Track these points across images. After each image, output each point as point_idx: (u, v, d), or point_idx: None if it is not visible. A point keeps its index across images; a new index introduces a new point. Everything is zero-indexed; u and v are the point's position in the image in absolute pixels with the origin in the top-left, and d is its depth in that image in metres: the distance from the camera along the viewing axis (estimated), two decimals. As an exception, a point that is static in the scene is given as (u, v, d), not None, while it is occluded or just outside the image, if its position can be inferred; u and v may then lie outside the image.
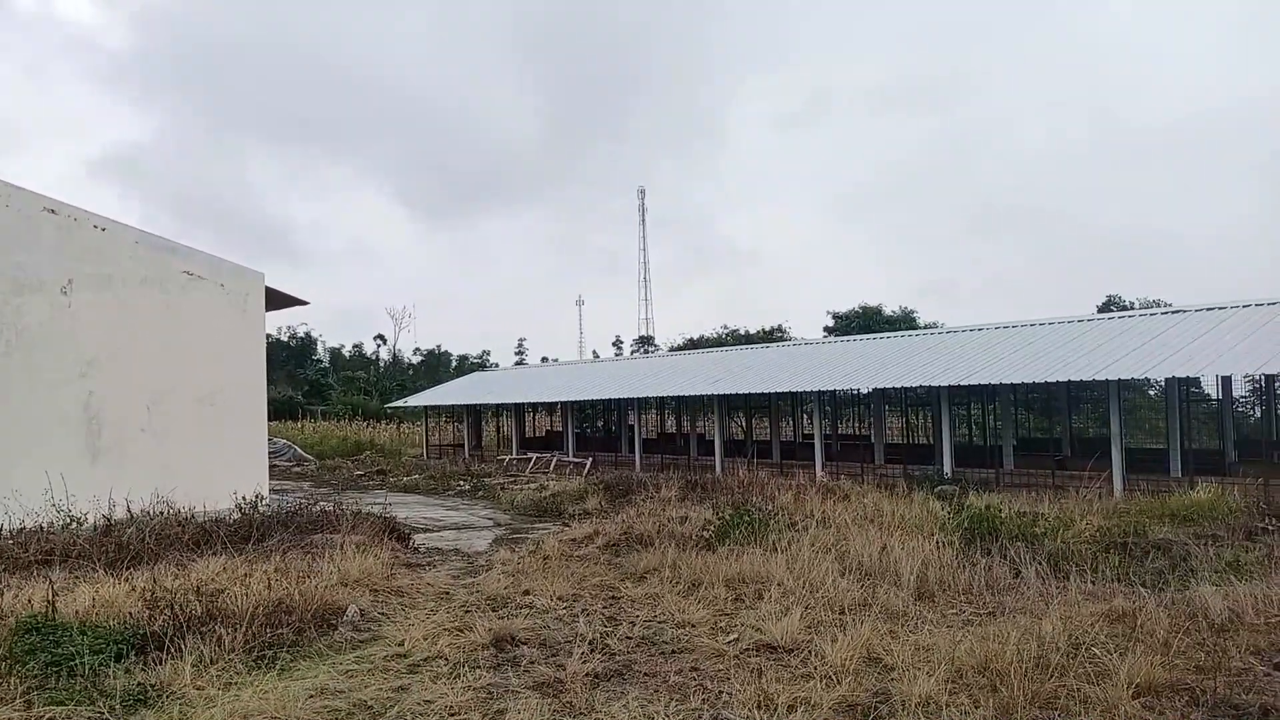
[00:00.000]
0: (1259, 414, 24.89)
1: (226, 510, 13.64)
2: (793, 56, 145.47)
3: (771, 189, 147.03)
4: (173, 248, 16.43)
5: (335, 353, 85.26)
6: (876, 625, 7.47)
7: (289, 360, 78.06)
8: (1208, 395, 23.94)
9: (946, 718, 5.48)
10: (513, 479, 24.38)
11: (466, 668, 6.85)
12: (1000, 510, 11.96)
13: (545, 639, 7.53)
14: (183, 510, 13.28)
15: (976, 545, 10.62)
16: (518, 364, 71.06)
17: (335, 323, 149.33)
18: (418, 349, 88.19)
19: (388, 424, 48.58)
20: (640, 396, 28.23)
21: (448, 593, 9.69)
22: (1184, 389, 20.48)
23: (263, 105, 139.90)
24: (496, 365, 67.40)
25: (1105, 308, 36.00)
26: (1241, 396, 27.03)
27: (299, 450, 36.45)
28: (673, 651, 7.20)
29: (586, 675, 6.52)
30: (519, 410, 36.11)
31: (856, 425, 35.96)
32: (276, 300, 18.55)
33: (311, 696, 6.25)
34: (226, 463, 16.22)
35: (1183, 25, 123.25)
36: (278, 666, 6.99)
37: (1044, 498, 14.83)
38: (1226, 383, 21.09)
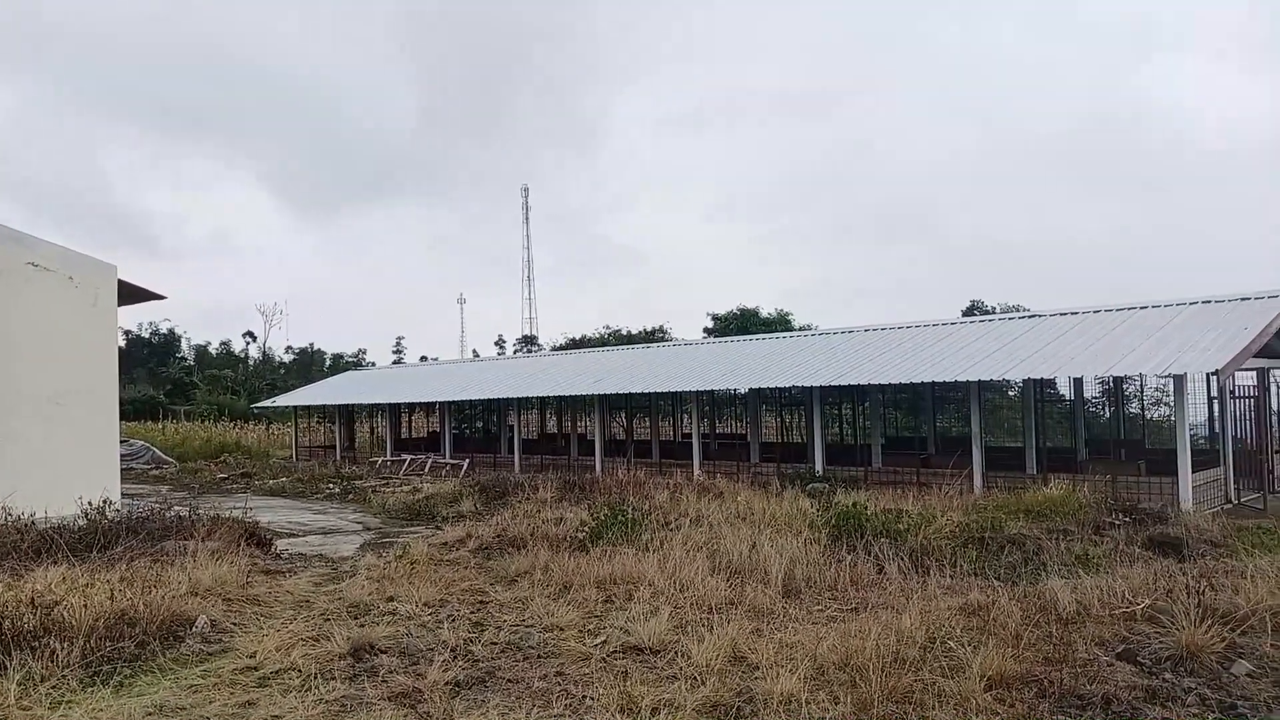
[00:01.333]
0: (1109, 414, 26.36)
1: (72, 516, 12.78)
2: (679, 59, 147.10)
3: (656, 190, 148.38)
4: (17, 237, 15.31)
5: (201, 350, 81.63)
6: (743, 624, 7.50)
7: (151, 358, 74.30)
8: (1062, 396, 25.22)
9: (806, 715, 5.52)
10: (385, 482, 23.74)
11: (320, 680, 6.54)
12: (866, 507, 12.25)
13: (407, 647, 7.27)
14: (22, 517, 12.38)
15: (843, 542, 10.85)
16: (395, 363, 69.41)
17: (202, 319, 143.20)
18: (289, 347, 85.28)
19: (256, 425, 46.77)
20: (521, 396, 27.94)
21: (308, 600, 9.29)
22: (1040, 390, 21.51)
23: (120, 88, 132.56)
24: (373, 364, 65.74)
25: (969, 312, 37.60)
26: (1093, 397, 28.60)
27: (158, 452, 34.66)
28: (539, 656, 7.06)
29: (447, 684, 6.32)
30: (394, 410, 35.26)
31: (735, 425, 36.48)
32: (131, 294, 17.53)
33: (149, 714, 5.87)
34: (74, 466, 15.20)
35: (1061, 41, 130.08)
36: (115, 683, 6.54)
37: (909, 495, 15.29)
38: (1078, 384, 22.25)
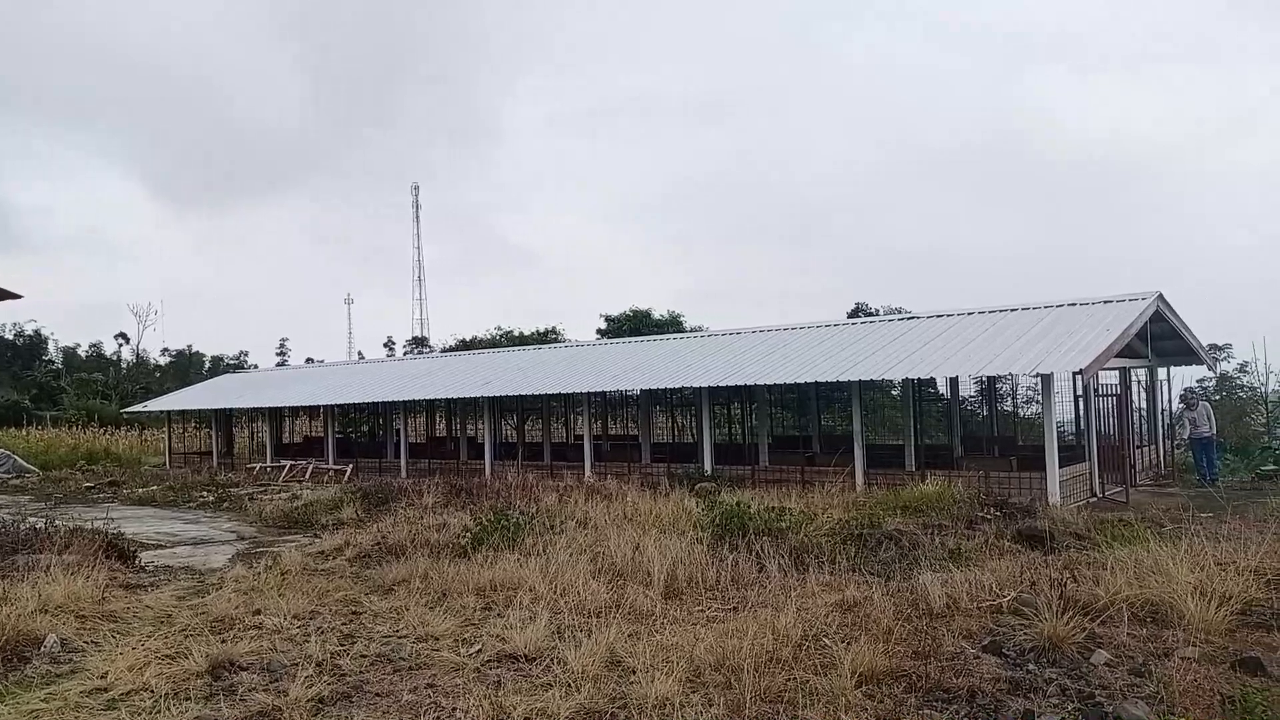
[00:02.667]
0: (985, 412, 27.35)
1: (-90, 532, 11.86)
2: (575, 58, 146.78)
3: (551, 190, 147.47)
4: None
5: (70, 353, 77.25)
6: (623, 627, 7.42)
7: (14, 361, 70.02)
8: (942, 395, 26.04)
9: (680, 718, 5.46)
10: (264, 489, 22.87)
11: (174, 700, 6.18)
12: (750, 506, 12.35)
13: (270, 663, 6.94)
14: None
15: (727, 541, 10.90)
16: (279, 365, 67.19)
17: (71, 320, 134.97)
18: (166, 349, 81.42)
19: (128, 431, 44.51)
20: (408, 399, 27.33)
21: (169, 616, 8.81)
22: (919, 389, 22.14)
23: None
24: (255, 367, 63.45)
25: (854, 314, 38.58)
26: (970, 396, 29.65)
27: (20, 460, 32.60)
28: (410, 668, 6.82)
29: (310, 700, 6.04)
30: (274, 415, 34.06)
31: (628, 426, 36.52)
32: (-19, 293, 16.41)
33: (-21, 746, 5.43)
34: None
35: (953, 52, 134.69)
36: (-56, 712, 6.04)
37: (793, 493, 15.52)
38: (954, 383, 23.01)
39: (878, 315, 33.87)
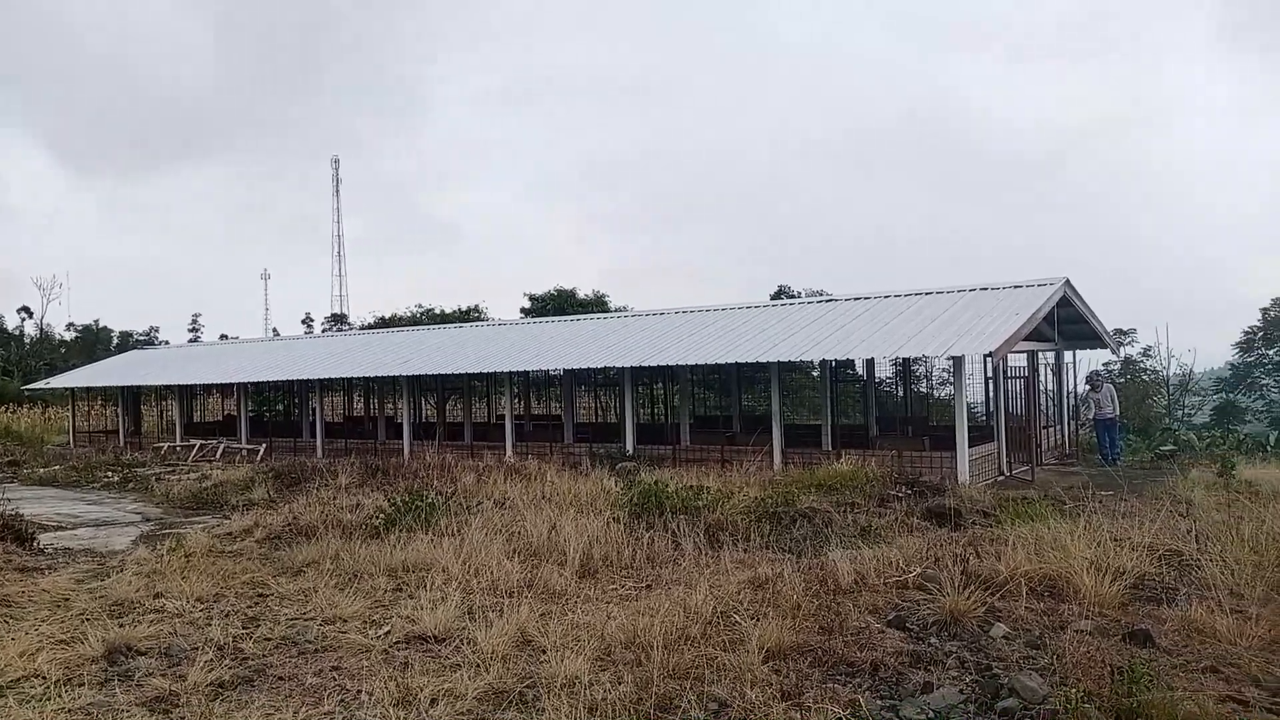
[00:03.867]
0: (900, 393, 27.96)
1: None
2: (501, 31, 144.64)
3: (476, 166, 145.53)
4: None
5: (-34, 328, 73.66)
6: (535, 606, 7.40)
7: (-94, 336, 66.47)
8: (860, 376, 26.53)
9: (588, 697, 5.47)
10: (172, 469, 22.19)
11: (67, 687, 5.97)
12: (668, 485, 12.41)
13: (169, 647, 6.74)
14: None
15: (644, 520, 10.94)
16: (191, 342, 65.16)
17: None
18: (71, 324, 78.06)
19: (30, 409, 42.72)
20: (324, 377, 26.76)
21: (66, 600, 8.50)
22: (836, 370, 22.50)
23: None
24: (166, 343, 61.29)
25: (776, 296, 39.00)
26: (886, 378, 30.27)
27: (-91, 440, 31.10)
28: (315, 651, 6.70)
29: (209, 685, 5.89)
30: (185, 392, 33.03)
31: (551, 406, 36.39)
32: None
33: None
34: None
35: (886, 38, 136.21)
36: None
37: (712, 472, 15.65)
38: (870, 365, 23.45)
39: (799, 297, 34.31)
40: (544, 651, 6.34)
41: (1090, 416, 20.56)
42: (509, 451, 21.88)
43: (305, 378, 26.56)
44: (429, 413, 33.92)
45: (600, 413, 33.79)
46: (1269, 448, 20.96)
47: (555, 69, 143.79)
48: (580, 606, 7.56)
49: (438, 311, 46.21)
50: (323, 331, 63.27)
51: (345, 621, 7.37)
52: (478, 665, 6.13)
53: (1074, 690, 5.37)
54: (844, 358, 18.18)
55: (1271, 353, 34.49)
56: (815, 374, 30.81)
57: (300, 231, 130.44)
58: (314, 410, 28.55)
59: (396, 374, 24.49)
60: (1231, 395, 34.22)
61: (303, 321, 69.55)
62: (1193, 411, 32.14)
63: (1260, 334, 34.76)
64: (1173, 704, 5.11)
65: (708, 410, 30.42)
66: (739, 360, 18.62)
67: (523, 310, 43.11)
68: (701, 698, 5.42)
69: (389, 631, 7.03)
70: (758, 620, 6.59)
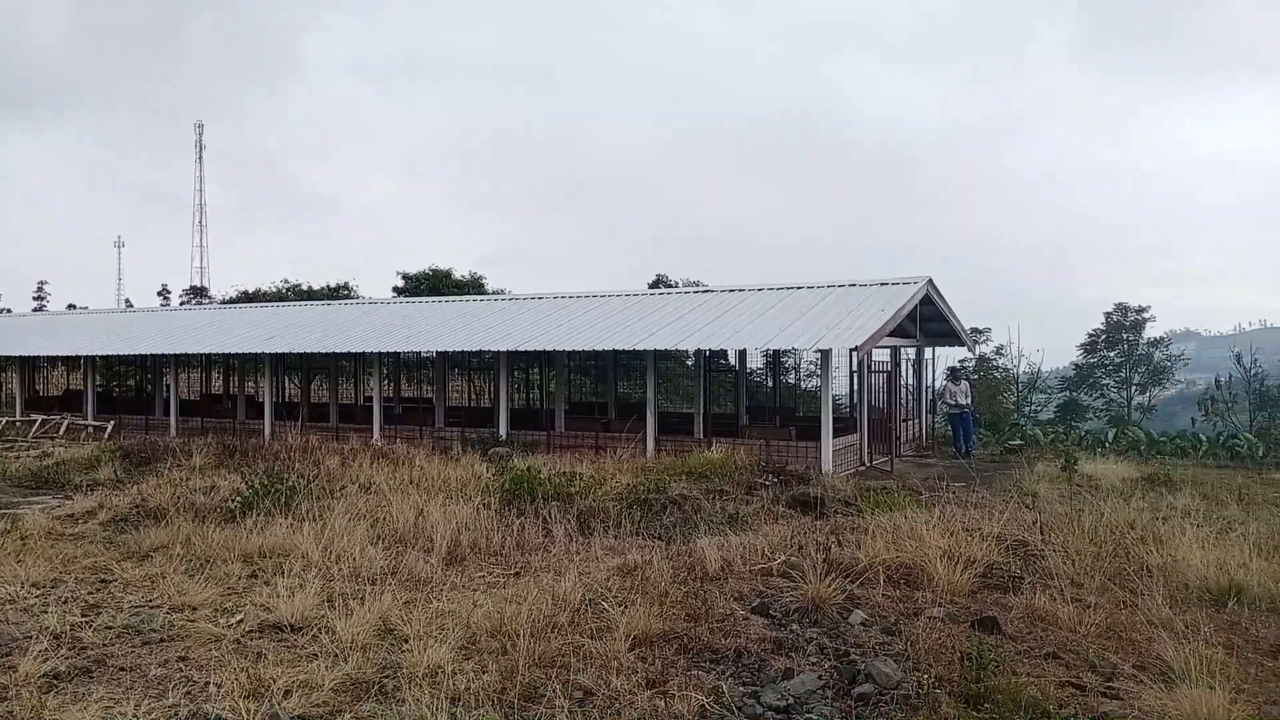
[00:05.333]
0: (770, 384, 28.59)
1: None
2: (385, 8, 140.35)
3: (353, 140, 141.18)
4: None
5: None
6: (399, 594, 7.22)
7: None
8: (731, 366, 26.97)
9: (451, 686, 5.36)
10: (10, 445, 20.70)
11: (-128, 683, 5.47)
12: (541, 471, 12.33)
13: (0, 635, 6.27)
14: None
15: (515, 506, 10.83)
16: (37, 310, 61.03)
17: None
18: (-98, 290, 72.15)
19: None
20: (180, 353, 25.45)
21: (-123, 588, 7.80)
22: (710, 360, 22.81)
23: None
24: (8, 311, 57.25)
25: (655, 285, 39.21)
26: (758, 368, 30.90)
27: None
28: (161, 640, 6.35)
29: (43, 676, 5.50)
30: (27, 364, 30.91)
31: (422, 388, 35.65)
32: None
33: None
34: None
35: (766, 36, 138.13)
36: None
37: (586, 458, 15.64)
38: (743, 355, 23.89)
39: (676, 287, 34.63)
40: (406, 640, 6.18)
41: (948, 408, 21.44)
42: (377, 434, 21.33)
43: (159, 352, 25.22)
44: (293, 392, 32.73)
45: (474, 397, 33.31)
46: (1107, 444, 22.36)
47: (439, 45, 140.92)
48: (446, 594, 7.42)
49: (306, 288, 44.50)
50: (181, 304, 60.23)
51: (195, 609, 7.01)
52: (336, 655, 5.93)
53: (926, 676, 5.58)
54: (720, 347, 18.48)
55: (1112, 354, 36.77)
56: (690, 363, 31.16)
57: (159, 199, 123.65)
58: (168, 386, 27.15)
59: (259, 351, 23.53)
60: (1075, 394, 36.36)
61: (159, 294, 66.04)
62: (1039, 408, 33.96)
63: (1103, 336, 37.02)
64: (1017, 689, 5.36)
65: (583, 397, 30.37)
66: (617, 347, 18.64)
67: (395, 290, 41.98)
68: (567, 686, 5.38)
69: (242, 620, 6.72)
70: (626, 608, 6.59)
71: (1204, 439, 22.73)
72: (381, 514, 10.24)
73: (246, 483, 11.77)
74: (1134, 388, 35.96)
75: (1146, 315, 36.50)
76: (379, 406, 22.50)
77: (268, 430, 22.65)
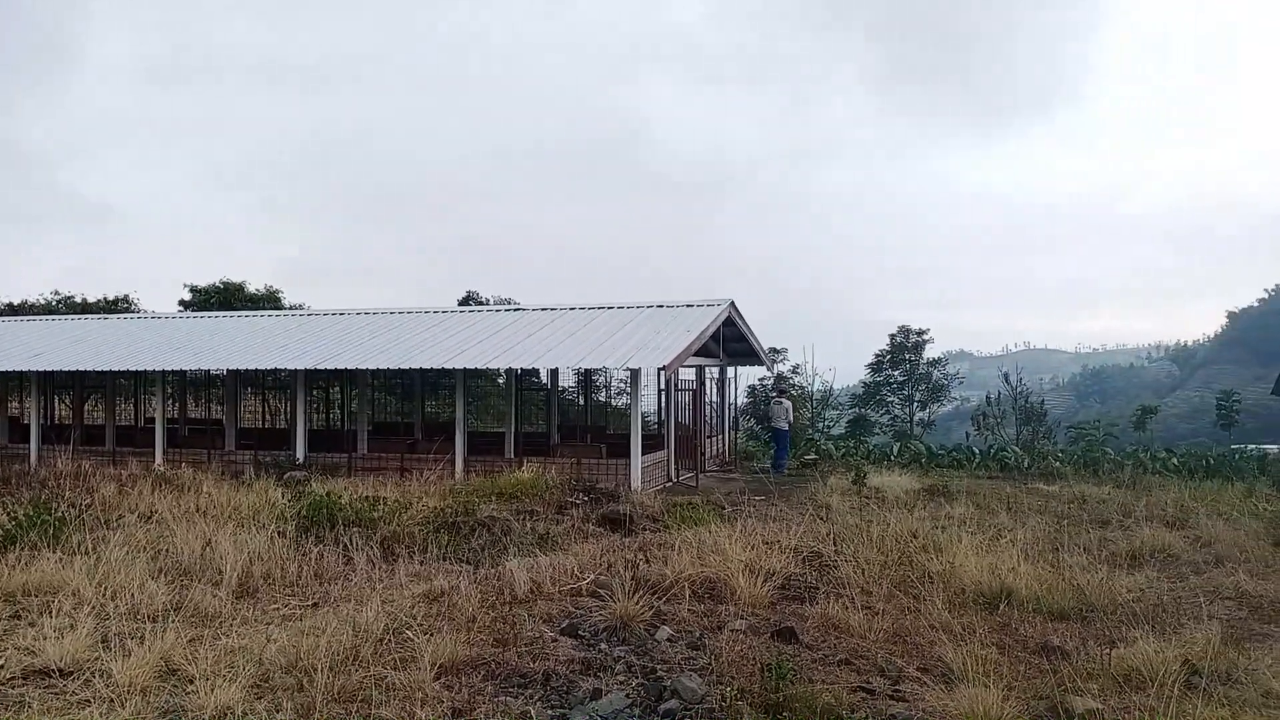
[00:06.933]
0: (581, 402, 28.75)
1: None
2: (174, 7, 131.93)
3: (136, 144, 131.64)
4: None
5: None
6: (183, 632, 6.74)
7: None
8: (543, 384, 26.95)
9: (243, 729, 5.05)
10: None
11: None
12: (342, 496, 11.87)
13: None
14: None
15: (313, 533, 10.36)
16: None
17: None
18: None
19: None
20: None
21: None
22: (521, 378, 22.70)
23: None
24: None
25: (465, 302, 38.62)
26: (569, 386, 31.01)
27: None
28: (-102, 696, 5.65)
29: None
30: None
31: (212, 409, 33.54)
32: None
33: None
34: None
35: (581, 53, 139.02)
36: None
37: (391, 481, 15.19)
38: (555, 374, 23.94)
39: (487, 304, 34.27)
40: (192, 681, 5.77)
41: (777, 423, 22.05)
42: (159, 459, 19.90)
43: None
44: (64, 413, 30.00)
45: (270, 417, 31.62)
46: (893, 457, 23.88)
47: (231, 46, 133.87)
48: (236, 630, 6.98)
49: (79, 300, 40.95)
50: (-72, 316, 53.97)
51: (-59, 659, 6.28)
52: (112, 700, 5.47)
53: (729, 689, 5.76)
54: (531, 366, 18.44)
55: (896, 373, 39.32)
56: (501, 381, 30.92)
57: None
58: (-89, 408, 24.26)
59: (23, 369, 21.47)
60: (863, 410, 38.63)
61: (-99, 303, 58.92)
62: (832, 424, 35.89)
63: (888, 356, 39.56)
64: (813, 696, 5.62)
65: (388, 416, 29.48)
66: (425, 366, 18.25)
67: (182, 303, 39.28)
68: (368, 720, 5.19)
69: (3, 665, 6.08)
70: (431, 635, 6.44)
71: (977, 452, 24.68)
72: (164, 545, 9.56)
73: (9, 514, 10.68)
74: (915, 404, 38.58)
75: (926, 336, 39.29)
76: (162, 428, 21.00)
77: (34, 455, 20.70)
